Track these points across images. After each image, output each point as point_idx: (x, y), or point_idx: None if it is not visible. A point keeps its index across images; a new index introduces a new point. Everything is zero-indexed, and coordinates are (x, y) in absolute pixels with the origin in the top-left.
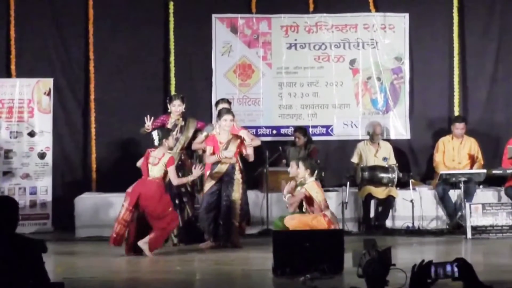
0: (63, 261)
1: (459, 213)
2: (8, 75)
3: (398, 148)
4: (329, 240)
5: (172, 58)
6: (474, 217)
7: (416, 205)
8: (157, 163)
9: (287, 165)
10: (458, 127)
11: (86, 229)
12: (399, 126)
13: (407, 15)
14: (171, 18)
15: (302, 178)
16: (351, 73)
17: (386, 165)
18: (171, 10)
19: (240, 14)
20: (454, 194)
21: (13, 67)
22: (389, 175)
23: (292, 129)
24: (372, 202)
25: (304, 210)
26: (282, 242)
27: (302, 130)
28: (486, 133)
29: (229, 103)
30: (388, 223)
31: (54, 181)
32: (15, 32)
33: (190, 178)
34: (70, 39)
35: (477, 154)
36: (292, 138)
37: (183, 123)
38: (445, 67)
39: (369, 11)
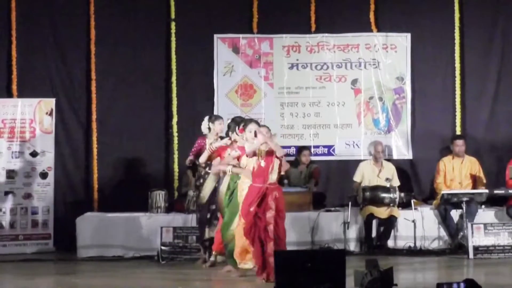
0: (64, 282)
1: (461, 233)
2: (10, 95)
3: (400, 168)
4: (331, 259)
5: (174, 78)
6: (476, 237)
7: (418, 225)
8: None
9: (289, 185)
10: (458, 144)
11: (88, 249)
12: (401, 146)
13: (408, 35)
14: (173, 38)
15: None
16: (353, 93)
17: (388, 185)
18: (173, 30)
19: (241, 34)
20: (456, 214)
21: (14, 87)
22: (391, 195)
23: (295, 149)
24: (374, 222)
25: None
26: (284, 261)
27: (307, 148)
28: (488, 152)
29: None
30: (390, 243)
31: (56, 201)
32: (16, 52)
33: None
34: (72, 59)
35: (478, 174)
36: (293, 158)
37: None
38: (447, 87)
39: (371, 31)
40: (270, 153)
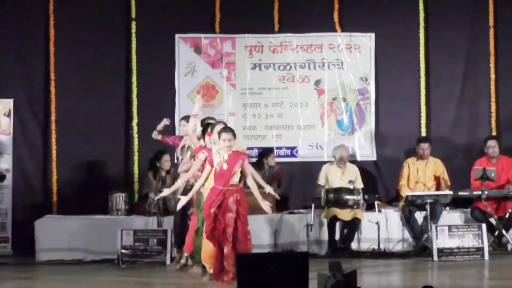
0: (23, 286)
1: (425, 235)
2: None
3: (364, 169)
4: (294, 262)
5: (134, 79)
6: (440, 239)
7: (382, 227)
8: None
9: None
10: (423, 147)
11: (47, 252)
12: (365, 147)
13: (372, 35)
14: (133, 38)
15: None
16: (316, 93)
17: (352, 187)
18: (133, 30)
19: (204, 34)
20: (420, 216)
21: None
22: (355, 197)
23: (257, 151)
24: (338, 224)
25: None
26: (246, 264)
27: (272, 151)
28: (453, 154)
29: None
30: (354, 245)
31: (14, 203)
32: None
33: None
34: (31, 59)
35: (443, 176)
36: (255, 159)
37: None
38: (412, 87)
39: (335, 31)
40: (234, 156)
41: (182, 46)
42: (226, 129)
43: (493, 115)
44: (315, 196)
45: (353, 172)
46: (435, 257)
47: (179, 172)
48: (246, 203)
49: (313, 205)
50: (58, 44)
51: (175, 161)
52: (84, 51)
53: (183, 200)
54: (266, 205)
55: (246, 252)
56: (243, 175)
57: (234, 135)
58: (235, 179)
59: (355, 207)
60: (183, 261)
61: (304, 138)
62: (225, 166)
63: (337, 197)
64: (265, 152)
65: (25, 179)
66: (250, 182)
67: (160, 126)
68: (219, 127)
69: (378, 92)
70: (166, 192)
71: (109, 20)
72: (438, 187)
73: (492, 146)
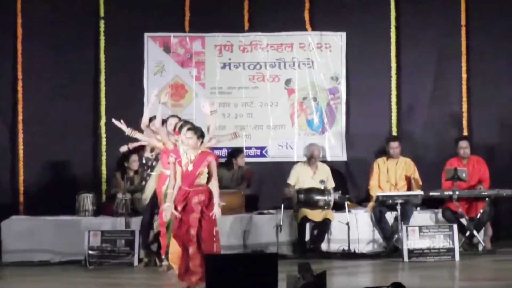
0: None
1: (396, 236)
2: None
3: (335, 169)
4: (263, 264)
5: (102, 78)
6: (411, 239)
7: (352, 228)
8: None
9: (221, 187)
10: (392, 146)
11: (13, 253)
12: (335, 147)
13: (343, 34)
14: (102, 37)
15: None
16: (287, 93)
17: (323, 188)
18: (102, 29)
19: (173, 33)
20: (391, 217)
21: None
22: (325, 198)
23: (226, 151)
24: (308, 225)
25: None
26: (215, 266)
27: (242, 151)
28: (424, 153)
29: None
30: (324, 246)
31: None
32: None
33: None
34: None
35: (414, 175)
36: (225, 159)
37: None
38: (383, 87)
39: (305, 30)
40: (201, 157)
41: (151, 45)
42: (188, 127)
43: (465, 114)
44: (285, 196)
45: (325, 172)
46: (406, 258)
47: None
48: (212, 204)
49: (283, 205)
50: (26, 43)
51: (143, 161)
52: (52, 50)
53: (168, 209)
54: (217, 209)
55: (212, 253)
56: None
57: (198, 135)
58: (201, 180)
59: (325, 207)
60: (165, 262)
61: (274, 138)
62: (190, 167)
63: (307, 197)
64: (234, 152)
65: None
66: (213, 183)
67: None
68: (185, 126)
69: (349, 92)
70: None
71: (77, 18)
72: (409, 187)
73: (463, 147)
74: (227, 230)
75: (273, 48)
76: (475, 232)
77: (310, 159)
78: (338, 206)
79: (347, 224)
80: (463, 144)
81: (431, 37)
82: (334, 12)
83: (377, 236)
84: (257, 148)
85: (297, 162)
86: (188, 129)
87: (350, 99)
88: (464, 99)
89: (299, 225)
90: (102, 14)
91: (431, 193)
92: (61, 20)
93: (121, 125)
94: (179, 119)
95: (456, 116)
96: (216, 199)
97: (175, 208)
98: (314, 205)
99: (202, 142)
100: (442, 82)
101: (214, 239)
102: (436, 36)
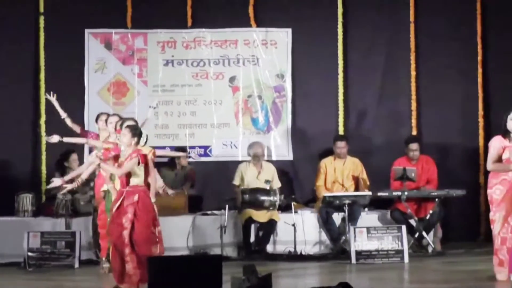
0: None
1: (343, 237)
2: None
3: (281, 169)
4: (207, 266)
5: (42, 75)
6: (359, 241)
7: (298, 229)
8: None
9: None
10: (339, 146)
11: None
12: (281, 147)
13: (289, 30)
14: (42, 33)
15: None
16: (231, 91)
17: (268, 188)
18: (42, 25)
19: (114, 29)
20: (338, 218)
21: None
22: (271, 198)
23: (169, 150)
24: (253, 226)
25: None
26: (158, 268)
27: (185, 150)
28: (372, 153)
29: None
30: (269, 248)
31: None
32: None
33: None
34: None
35: (361, 175)
36: (167, 159)
37: None
38: (329, 84)
39: (250, 26)
40: (129, 156)
41: (92, 41)
42: (126, 125)
43: (414, 113)
44: (229, 196)
45: (270, 172)
46: (354, 260)
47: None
48: (148, 205)
49: (227, 206)
50: None
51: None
52: None
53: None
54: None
55: (154, 255)
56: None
57: (132, 133)
58: (135, 180)
59: (271, 208)
60: (107, 265)
61: (218, 137)
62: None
63: (252, 198)
64: (177, 149)
65: None
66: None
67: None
68: (125, 123)
69: (294, 90)
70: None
71: (16, 14)
72: (356, 188)
73: (413, 150)
74: (170, 231)
75: (217, 45)
76: (424, 234)
77: (254, 158)
78: (284, 207)
79: (293, 225)
80: (413, 146)
81: (379, 33)
82: (280, 8)
83: (324, 237)
84: (200, 147)
85: (242, 161)
86: (126, 126)
87: (296, 97)
88: (413, 97)
89: (244, 226)
90: (42, 10)
91: (379, 194)
92: None
93: (54, 102)
94: (120, 117)
95: (405, 114)
96: (152, 198)
97: (111, 210)
98: (259, 205)
99: (138, 143)
100: (390, 80)
101: (157, 239)
102: (384, 33)
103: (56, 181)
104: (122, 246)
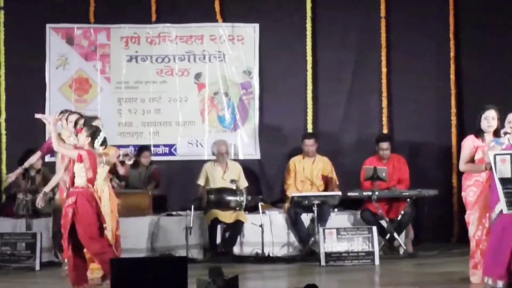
0: None
1: (312, 239)
2: None
3: (248, 168)
4: (171, 268)
5: (2, 72)
6: (328, 242)
7: (266, 230)
8: None
9: (127, 187)
10: (308, 144)
11: None
12: (248, 145)
13: (257, 25)
14: (1, 28)
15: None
16: (197, 88)
17: (235, 188)
18: (1, 20)
19: (76, 24)
20: (307, 218)
21: None
22: (237, 198)
23: (133, 149)
24: (219, 227)
25: None
26: (120, 270)
27: (147, 149)
28: (342, 151)
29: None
30: (236, 249)
31: None
32: None
33: None
34: None
35: (331, 175)
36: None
37: None
38: (298, 81)
39: (216, 21)
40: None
41: (54, 37)
42: (84, 122)
43: (385, 111)
44: (195, 197)
45: (236, 171)
46: (323, 262)
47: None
48: (85, 206)
49: (192, 206)
50: None
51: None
52: None
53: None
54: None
55: (117, 257)
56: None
57: (88, 133)
58: (78, 180)
59: (237, 208)
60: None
61: (183, 135)
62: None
63: (218, 198)
64: (139, 150)
65: None
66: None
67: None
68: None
69: (262, 87)
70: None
71: None
72: (326, 187)
73: (384, 149)
74: (133, 232)
75: (182, 40)
76: (395, 235)
77: (218, 156)
78: (251, 207)
79: (261, 226)
80: (384, 145)
81: (349, 28)
82: (247, 2)
83: (293, 238)
84: (165, 146)
85: (207, 161)
86: (83, 123)
87: (264, 94)
88: (384, 94)
89: (209, 227)
90: (1, 4)
91: (349, 193)
92: None
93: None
94: (81, 115)
95: (376, 112)
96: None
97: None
98: (225, 206)
99: (92, 144)
100: (361, 77)
101: (116, 242)
102: (355, 29)
103: (11, 177)
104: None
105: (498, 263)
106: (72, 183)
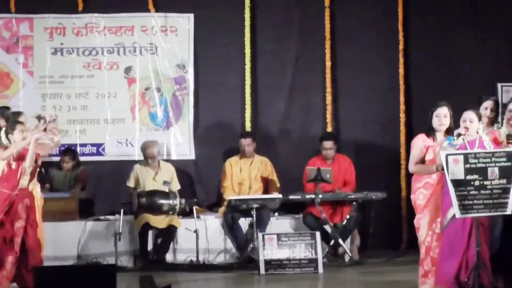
0: None
1: (251, 245)
2: None
3: (181, 169)
4: (99, 276)
5: None
6: (268, 249)
7: (201, 236)
8: None
9: (51, 190)
10: (244, 144)
11: None
12: (182, 145)
13: (191, 15)
14: None
15: None
16: (127, 83)
17: (167, 190)
18: None
19: None
20: (245, 223)
21: None
22: (170, 202)
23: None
24: (151, 233)
25: None
26: (44, 279)
27: (71, 153)
28: (283, 151)
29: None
30: (169, 257)
31: None
32: None
33: None
34: None
35: (271, 177)
36: (57, 158)
37: None
38: (236, 76)
39: (148, 11)
40: (21, 154)
41: None
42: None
43: (329, 108)
44: (125, 200)
45: (168, 172)
46: (262, 270)
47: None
48: (35, 209)
49: (122, 210)
50: None
51: None
52: None
53: None
54: None
55: (39, 263)
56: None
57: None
58: (25, 181)
59: (170, 213)
60: None
61: (112, 133)
62: (14, 165)
63: (150, 201)
64: (62, 154)
65: None
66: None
67: None
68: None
69: (197, 82)
70: None
71: None
72: (265, 190)
73: (327, 148)
74: (58, 238)
75: (111, 32)
76: (340, 241)
77: (146, 159)
78: (185, 211)
79: (196, 231)
80: (328, 144)
81: (291, 19)
82: None
83: (230, 245)
84: (93, 145)
85: (138, 161)
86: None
87: (199, 90)
88: (328, 90)
89: (140, 233)
90: None
91: (290, 197)
92: None
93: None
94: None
95: (319, 109)
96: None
97: None
98: (157, 210)
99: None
100: (303, 71)
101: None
102: (297, 19)
103: None
104: (6, 253)
105: (449, 271)
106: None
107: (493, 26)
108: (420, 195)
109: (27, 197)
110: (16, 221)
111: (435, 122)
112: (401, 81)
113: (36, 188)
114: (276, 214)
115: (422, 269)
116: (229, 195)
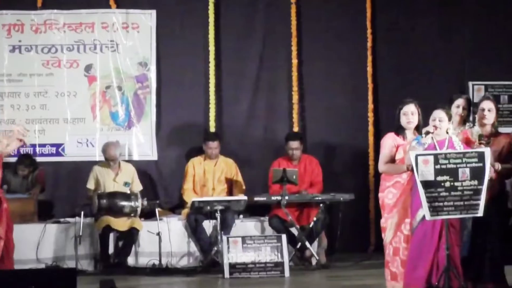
0: None
1: (215, 248)
2: None
3: (143, 170)
4: (59, 280)
5: None
6: (233, 252)
7: (164, 239)
8: None
9: (8, 192)
10: (211, 146)
11: None
12: (144, 145)
13: (153, 12)
14: None
15: None
16: (87, 81)
17: (128, 192)
18: None
19: None
20: (209, 226)
21: None
22: (132, 204)
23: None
24: (112, 236)
25: None
26: (2, 283)
27: (27, 159)
28: (248, 152)
29: None
30: (131, 260)
31: None
32: None
33: None
34: None
35: (235, 178)
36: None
37: None
38: (200, 74)
39: (109, 7)
40: None
41: None
42: None
43: (295, 107)
44: (85, 202)
45: (129, 173)
46: (227, 274)
47: None
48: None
49: (82, 212)
50: None
51: None
52: None
53: None
54: None
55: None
56: None
57: None
58: None
59: (132, 215)
60: None
61: (72, 133)
62: None
63: (110, 203)
64: (18, 159)
65: None
66: None
67: None
68: None
69: (160, 80)
70: None
71: None
72: (230, 192)
73: (294, 148)
74: (16, 241)
75: (71, 29)
76: (307, 244)
77: (107, 160)
78: (147, 213)
79: (158, 234)
80: (294, 144)
81: (255, 15)
82: None
83: (193, 248)
84: (52, 145)
85: (99, 161)
86: None
87: (162, 89)
88: (295, 88)
89: (101, 236)
90: None
91: (255, 198)
92: None
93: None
94: None
95: (285, 108)
96: None
97: None
98: (118, 212)
99: None
100: (268, 69)
101: None
102: (262, 15)
103: None
104: None
105: (419, 274)
106: None
107: (463, 25)
108: (389, 194)
109: (4, 201)
110: None
111: (403, 120)
112: (369, 80)
113: None
114: (241, 216)
115: (388, 271)
116: (189, 197)
